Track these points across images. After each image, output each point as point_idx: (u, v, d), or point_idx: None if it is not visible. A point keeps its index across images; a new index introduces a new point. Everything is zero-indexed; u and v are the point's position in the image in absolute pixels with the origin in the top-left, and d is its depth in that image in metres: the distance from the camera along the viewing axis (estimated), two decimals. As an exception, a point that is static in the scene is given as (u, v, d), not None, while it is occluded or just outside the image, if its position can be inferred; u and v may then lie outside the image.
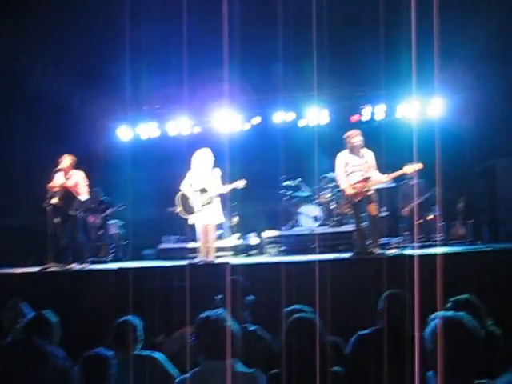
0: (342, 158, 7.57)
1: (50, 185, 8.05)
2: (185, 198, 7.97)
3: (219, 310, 3.24)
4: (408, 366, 3.08)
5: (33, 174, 9.14)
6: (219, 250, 9.26)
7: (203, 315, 3.15)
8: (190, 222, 8.02)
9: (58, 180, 8.11)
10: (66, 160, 8.19)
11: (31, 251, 10.48)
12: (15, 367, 3.60)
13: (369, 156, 7.50)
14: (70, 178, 8.20)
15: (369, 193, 7.36)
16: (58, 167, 8.12)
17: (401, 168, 7.62)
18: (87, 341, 4.09)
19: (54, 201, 7.99)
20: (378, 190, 7.79)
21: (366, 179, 7.32)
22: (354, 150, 7.43)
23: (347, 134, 7.55)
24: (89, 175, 8.61)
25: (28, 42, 9.62)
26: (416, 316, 3.33)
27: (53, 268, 7.79)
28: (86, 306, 6.49)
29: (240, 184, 7.78)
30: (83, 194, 8.29)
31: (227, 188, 7.88)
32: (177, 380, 3.13)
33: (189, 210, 7.92)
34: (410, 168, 7.50)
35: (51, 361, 3.90)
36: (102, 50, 9.30)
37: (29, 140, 9.97)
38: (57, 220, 8.05)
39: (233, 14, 7.51)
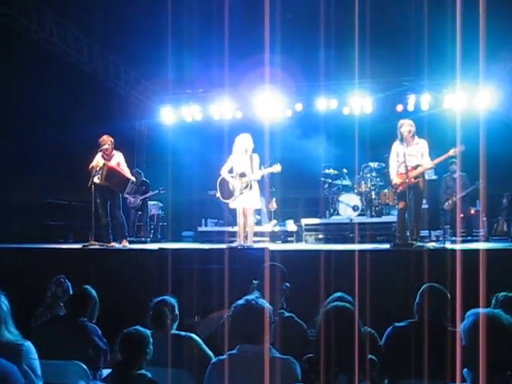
0: (394, 147, 7.50)
1: (92, 164, 8.19)
2: (224, 183, 8.01)
3: (256, 295, 3.26)
4: (444, 360, 3.06)
5: (77, 153, 9.32)
6: (257, 235, 9.28)
7: (241, 300, 3.17)
8: (230, 206, 8.07)
9: (100, 160, 8.25)
10: (108, 140, 8.32)
11: (73, 228, 10.77)
12: (57, 340, 3.74)
13: (422, 144, 7.36)
14: (111, 158, 8.33)
15: (415, 180, 7.20)
16: (102, 147, 8.25)
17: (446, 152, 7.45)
18: (125, 318, 4.20)
19: (98, 180, 8.13)
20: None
21: (413, 167, 7.20)
22: (405, 139, 7.31)
23: (399, 123, 7.42)
24: (132, 156, 8.74)
25: (75, 23, 9.79)
26: (458, 311, 3.29)
27: (94, 246, 7.95)
28: (126, 284, 6.61)
29: (276, 169, 7.77)
30: (128, 174, 8.45)
31: (264, 172, 7.86)
32: (213, 360, 3.17)
33: (227, 194, 7.96)
34: (454, 151, 7.31)
35: (91, 337, 4.04)
36: (147, 33, 9.37)
37: (75, 119, 10.16)
38: (98, 199, 8.20)
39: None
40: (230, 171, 7.94)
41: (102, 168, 8.16)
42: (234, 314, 3.14)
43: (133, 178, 8.60)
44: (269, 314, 3.10)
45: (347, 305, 2.97)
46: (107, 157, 8.30)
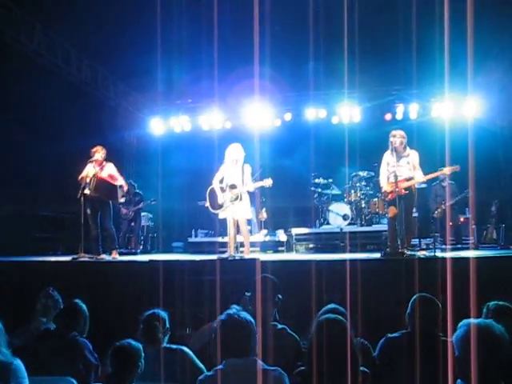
0: (385, 157, 7.55)
1: (82, 175, 8.15)
2: (214, 193, 8.01)
3: (237, 308, 3.27)
4: (437, 371, 3.06)
5: (66, 165, 9.28)
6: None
7: (225, 313, 3.17)
8: (220, 216, 8.06)
9: (90, 170, 8.21)
10: (100, 151, 8.29)
11: (62, 240, 10.69)
12: (47, 356, 3.70)
13: (413, 156, 7.41)
14: (102, 168, 8.29)
15: (404, 192, 7.25)
16: (93, 158, 8.21)
17: (438, 169, 7.54)
18: (116, 331, 4.16)
19: (88, 191, 8.09)
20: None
21: (405, 179, 7.24)
22: (396, 150, 7.36)
23: (391, 134, 7.47)
24: (122, 167, 8.71)
25: (64, 35, 9.78)
26: (449, 320, 3.29)
27: (84, 258, 7.90)
28: (116, 296, 6.56)
29: (267, 183, 7.77)
30: (121, 183, 8.42)
31: (255, 186, 7.87)
32: (200, 377, 3.15)
33: (217, 204, 7.96)
34: (448, 169, 7.42)
35: (82, 352, 4.01)
36: (136, 45, 9.38)
37: (65, 131, 10.13)
38: (89, 210, 8.16)
39: (265, 10, 7.52)
40: (221, 181, 7.94)
41: (92, 179, 8.12)
42: (219, 329, 3.13)
43: (121, 183, 8.50)
44: (252, 327, 3.10)
45: (339, 317, 2.96)
46: (99, 167, 8.26)
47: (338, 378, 2.75)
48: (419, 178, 7.39)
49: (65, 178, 9.01)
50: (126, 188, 8.60)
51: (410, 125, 11.46)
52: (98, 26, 8.85)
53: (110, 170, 8.34)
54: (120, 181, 8.41)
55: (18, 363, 3.14)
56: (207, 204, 8.14)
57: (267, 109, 12.15)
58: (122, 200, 8.64)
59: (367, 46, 8.74)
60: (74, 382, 3.54)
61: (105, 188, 8.23)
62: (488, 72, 10.18)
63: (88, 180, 8.12)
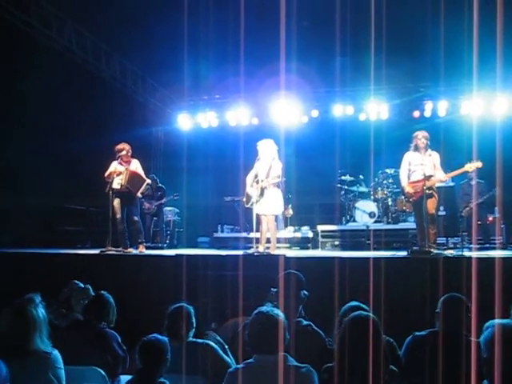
0: (407, 156, 7.60)
1: (110, 171, 8.26)
2: (247, 188, 8.05)
3: (270, 305, 3.29)
4: (464, 371, 3.03)
5: (95, 159, 9.41)
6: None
7: (257, 311, 3.20)
8: (254, 211, 8.07)
9: (118, 166, 8.33)
10: (126, 147, 8.41)
11: (91, 234, 10.85)
12: (77, 347, 3.77)
13: (434, 156, 7.43)
14: (129, 165, 8.41)
15: (428, 191, 7.24)
16: (120, 154, 8.33)
17: (462, 166, 7.47)
18: (142, 324, 4.23)
19: (119, 185, 8.22)
20: (437, 189, 7.66)
21: (427, 178, 7.21)
22: (418, 150, 7.41)
23: (415, 134, 7.52)
24: (148, 162, 8.81)
25: (94, 31, 9.90)
26: (473, 320, 3.26)
27: (111, 251, 8.01)
28: (143, 290, 6.64)
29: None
30: (148, 180, 8.62)
31: (272, 181, 7.79)
32: (230, 369, 3.18)
33: (248, 199, 8.00)
34: (471, 166, 7.35)
35: (110, 343, 4.08)
36: (165, 41, 9.44)
37: (94, 126, 10.27)
38: (116, 204, 8.27)
39: (292, 5, 7.51)
40: (255, 177, 7.97)
41: (123, 173, 8.24)
42: (249, 326, 3.16)
43: (148, 181, 8.79)
44: (283, 325, 3.12)
45: (371, 314, 2.95)
46: (125, 164, 8.38)
47: (365, 375, 2.74)
48: (441, 176, 7.38)
49: (93, 173, 9.13)
50: (148, 182, 8.83)
51: (439, 122, 11.33)
52: (128, 21, 8.93)
53: (136, 166, 8.47)
54: (145, 178, 8.60)
55: (56, 353, 3.23)
56: (244, 199, 8.18)
57: (294, 105, 12.12)
58: (139, 195, 8.74)
59: (395, 42, 8.64)
60: (102, 372, 3.61)
61: (136, 181, 8.37)
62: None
63: (117, 174, 8.24)
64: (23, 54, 8.88)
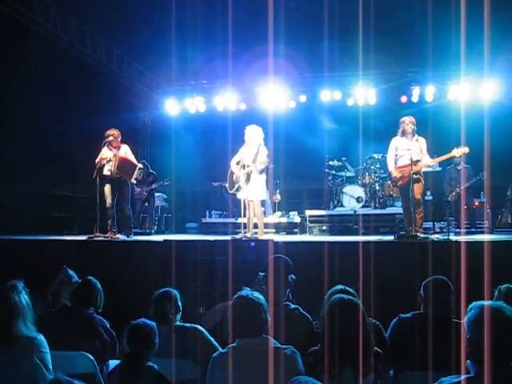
0: (394, 141, 7.67)
1: (101, 156, 8.21)
2: (231, 174, 8.06)
3: (249, 289, 3.32)
4: (449, 352, 3.08)
5: (82, 145, 9.35)
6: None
7: (236, 295, 3.23)
8: (238, 196, 8.10)
9: (107, 153, 8.28)
10: (116, 133, 8.36)
11: (78, 220, 10.82)
12: (64, 331, 3.78)
13: (421, 141, 7.49)
14: (119, 150, 8.36)
15: (415, 176, 7.29)
16: (109, 139, 8.28)
17: (449, 152, 7.52)
18: (130, 310, 4.24)
19: (109, 172, 8.19)
20: (424, 174, 7.71)
21: (413, 163, 7.26)
22: (405, 135, 7.47)
23: (402, 119, 7.57)
24: (136, 147, 8.77)
25: (79, 15, 9.78)
26: (462, 303, 3.31)
27: (99, 237, 7.99)
28: (131, 275, 6.64)
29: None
30: (138, 164, 8.60)
31: (259, 166, 7.80)
32: (214, 355, 3.20)
33: (232, 185, 8.01)
34: (458, 151, 7.41)
35: (98, 328, 4.08)
36: (151, 25, 9.36)
37: (80, 111, 10.19)
38: (107, 190, 8.25)
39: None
40: (239, 162, 7.98)
41: (112, 159, 8.20)
42: (230, 310, 3.19)
43: (140, 165, 8.76)
44: (263, 307, 3.15)
45: (352, 297, 2.98)
46: (115, 149, 8.34)
47: (351, 357, 2.78)
48: (428, 161, 7.43)
49: (80, 159, 9.08)
50: (140, 166, 8.79)
51: (426, 108, 11.36)
52: (113, 5, 8.83)
53: (125, 152, 8.43)
54: (136, 162, 8.55)
55: (41, 338, 3.23)
56: (227, 184, 8.19)
57: (282, 90, 12.08)
58: (134, 181, 8.74)
59: (383, 27, 8.64)
60: (91, 357, 3.62)
61: (126, 167, 8.32)
62: (506, 54, 10.04)
63: (107, 160, 8.20)
64: (7, 38, 8.76)
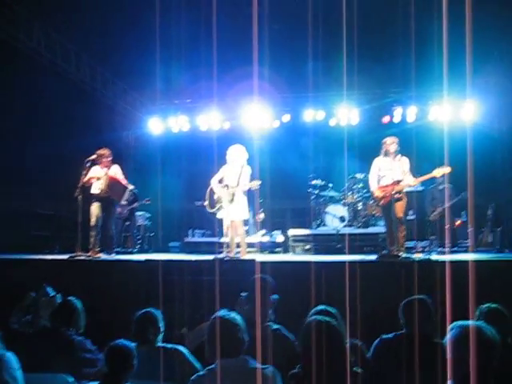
0: (376, 162, 7.75)
1: (90, 176, 8.20)
2: (212, 193, 8.05)
3: (226, 310, 3.33)
4: (431, 372, 3.07)
5: (64, 164, 9.29)
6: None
7: (213, 316, 3.23)
8: (217, 216, 8.10)
9: (98, 171, 8.29)
10: (107, 152, 8.38)
11: (59, 239, 10.68)
12: (44, 355, 3.71)
13: (404, 162, 7.56)
14: (109, 169, 8.39)
15: (397, 195, 7.35)
16: (101, 159, 8.28)
17: (430, 172, 7.58)
18: (111, 330, 4.18)
19: (98, 190, 8.17)
20: (407, 193, 7.77)
21: (396, 182, 7.33)
22: (388, 155, 7.55)
23: (384, 140, 7.66)
24: (120, 166, 8.74)
25: (63, 33, 9.77)
26: (447, 322, 3.31)
27: (81, 256, 7.91)
28: (112, 295, 6.57)
29: (254, 185, 7.74)
30: (130, 186, 8.59)
31: (243, 187, 7.84)
32: (192, 378, 3.18)
33: (213, 204, 8.00)
34: (439, 171, 7.48)
35: (78, 351, 4.02)
36: (135, 44, 9.39)
37: (62, 130, 10.12)
38: (95, 209, 8.21)
39: (264, 11, 7.54)
40: (221, 181, 7.97)
41: (102, 178, 8.19)
42: (208, 331, 3.18)
43: (131, 187, 8.78)
44: (240, 327, 3.15)
45: (327, 318, 2.97)
46: (105, 169, 8.34)
47: (329, 379, 2.76)
48: (410, 181, 7.49)
49: (62, 177, 9.02)
50: (131, 188, 8.78)
51: (408, 128, 11.48)
52: (98, 24, 8.85)
53: (116, 172, 8.44)
54: (127, 184, 8.55)
55: (10, 355, 3.17)
56: (206, 203, 8.17)
57: (266, 110, 12.15)
58: (124, 202, 8.75)
59: (366, 48, 8.75)
60: (71, 379, 3.56)
61: (116, 188, 8.33)
62: (487, 75, 10.22)
63: (97, 179, 8.19)
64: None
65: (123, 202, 8.65)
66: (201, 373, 3.15)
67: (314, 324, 2.92)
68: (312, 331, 2.88)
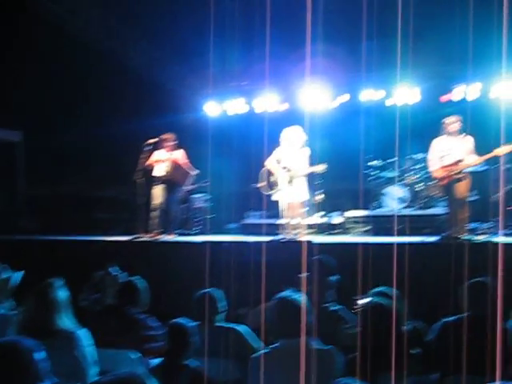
0: (437, 142, 7.54)
1: (152, 159, 8.37)
2: (269, 174, 8.06)
3: (291, 291, 3.33)
4: (492, 357, 3.02)
5: (123, 147, 9.51)
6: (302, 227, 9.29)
7: (278, 296, 3.24)
8: (273, 198, 8.11)
9: (162, 155, 8.44)
10: (172, 137, 8.52)
11: (121, 221, 11.00)
12: (109, 332, 3.86)
13: (468, 141, 7.32)
14: (174, 153, 8.53)
15: (458, 175, 7.14)
16: (168, 143, 8.43)
17: (491, 151, 7.34)
18: (174, 309, 4.30)
19: (162, 173, 8.32)
20: (470, 173, 7.55)
21: (458, 161, 7.12)
22: (450, 134, 7.35)
23: (444, 120, 7.41)
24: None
25: (121, 17, 9.94)
26: (499, 307, 3.24)
27: (143, 238, 8.12)
28: (173, 276, 6.73)
29: (319, 168, 7.72)
30: (192, 169, 8.68)
31: (308, 171, 7.84)
32: (255, 355, 3.23)
33: (271, 186, 8.01)
34: (503, 150, 7.21)
35: (141, 328, 4.17)
36: (191, 27, 9.45)
37: (121, 114, 10.36)
38: (158, 191, 8.38)
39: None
40: (277, 163, 7.96)
41: (167, 161, 8.34)
42: (271, 311, 3.21)
43: (195, 172, 8.92)
44: (305, 309, 3.14)
45: (383, 302, 2.95)
46: (170, 153, 8.49)
47: (387, 361, 2.75)
48: (472, 160, 7.26)
49: (124, 160, 9.24)
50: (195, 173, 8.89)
51: (468, 106, 11.11)
52: (155, 7, 8.96)
53: (180, 157, 8.57)
54: (192, 169, 8.63)
55: (81, 332, 3.33)
56: (259, 185, 8.20)
57: (323, 90, 12.02)
58: (189, 187, 8.88)
59: (424, 25, 8.49)
60: (134, 354, 3.69)
61: (179, 172, 8.47)
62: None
63: (160, 163, 8.35)
64: (48, 42, 8.94)
65: (187, 187, 8.79)
66: (263, 351, 3.19)
67: (370, 307, 2.91)
68: (368, 314, 2.87)
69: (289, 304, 3.15)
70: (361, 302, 4.00)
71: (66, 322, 3.39)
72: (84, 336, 3.33)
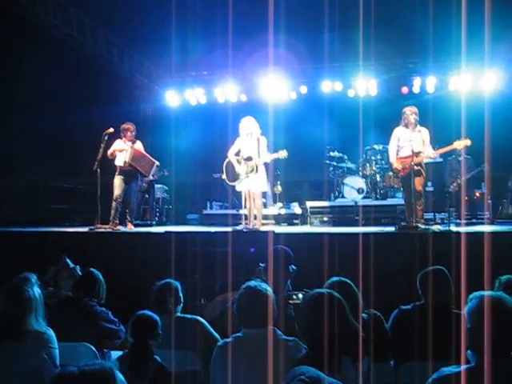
0: (396, 132, 7.64)
1: (114, 149, 8.27)
2: (230, 165, 8.05)
3: (258, 280, 3.32)
4: (449, 342, 3.08)
5: (82, 137, 9.35)
6: (262, 218, 9.30)
7: (245, 285, 3.22)
8: (237, 188, 8.11)
9: (122, 145, 8.35)
10: (131, 127, 8.44)
11: (79, 212, 10.82)
12: (67, 323, 3.79)
13: (424, 132, 7.46)
14: (133, 143, 8.45)
15: (416, 167, 7.28)
16: (128, 133, 8.34)
17: (450, 143, 7.50)
18: (132, 301, 4.25)
19: (120, 163, 8.24)
20: (426, 165, 7.70)
21: (415, 154, 7.25)
22: (408, 126, 7.44)
23: (404, 110, 7.53)
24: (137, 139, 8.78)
25: (79, 5, 9.72)
26: (463, 294, 3.31)
27: (101, 229, 8.00)
28: (132, 267, 6.65)
29: (282, 154, 7.76)
30: (154, 160, 8.68)
31: (270, 157, 7.89)
32: (219, 343, 3.22)
33: (233, 177, 8.01)
34: (460, 143, 7.39)
35: (100, 320, 4.10)
36: (150, 15, 9.32)
37: (79, 103, 10.16)
38: (118, 181, 8.32)
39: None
40: (237, 154, 7.96)
41: (127, 151, 8.26)
42: (238, 300, 3.19)
43: (157, 162, 8.92)
44: (271, 299, 3.14)
45: (333, 292, 2.94)
46: (130, 143, 8.42)
47: (344, 346, 2.76)
48: (429, 152, 7.42)
49: (80, 150, 9.09)
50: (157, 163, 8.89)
51: (427, 99, 11.32)
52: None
53: (140, 147, 8.52)
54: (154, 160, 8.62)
55: (51, 333, 3.22)
56: (224, 176, 8.19)
57: (283, 81, 12.04)
58: (152, 178, 8.83)
59: (384, 17, 8.60)
60: (93, 347, 3.63)
61: (143, 161, 8.40)
62: (507, 43, 9.98)
63: (120, 151, 8.25)
64: (6, 30, 8.73)
65: (150, 177, 8.73)
66: (228, 339, 3.18)
67: (313, 297, 2.91)
68: (309, 303, 2.88)
69: (256, 294, 3.13)
70: (296, 297, 4.04)
71: (39, 321, 3.24)
72: (52, 337, 3.22)
